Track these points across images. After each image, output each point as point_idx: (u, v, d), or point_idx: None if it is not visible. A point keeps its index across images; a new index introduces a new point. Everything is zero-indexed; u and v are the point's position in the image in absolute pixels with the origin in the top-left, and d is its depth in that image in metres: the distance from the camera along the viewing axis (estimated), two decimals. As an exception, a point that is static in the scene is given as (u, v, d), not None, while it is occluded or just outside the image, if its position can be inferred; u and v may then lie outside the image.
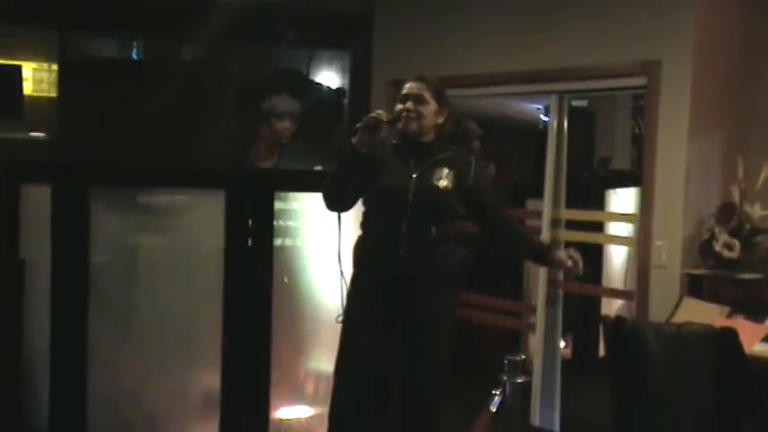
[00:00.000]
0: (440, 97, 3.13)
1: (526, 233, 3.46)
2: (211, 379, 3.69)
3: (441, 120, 3.14)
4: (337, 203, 3.17)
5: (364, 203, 3.18)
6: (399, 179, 3.07)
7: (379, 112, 3.02)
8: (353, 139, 2.98)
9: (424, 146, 3.11)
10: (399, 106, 3.09)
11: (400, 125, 3.07)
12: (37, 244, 3.52)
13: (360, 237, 3.20)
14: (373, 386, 3.18)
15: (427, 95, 3.10)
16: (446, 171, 3.09)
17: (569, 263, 3.10)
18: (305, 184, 4.01)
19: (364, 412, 3.20)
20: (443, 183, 3.07)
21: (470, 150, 5.25)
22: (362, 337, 3.13)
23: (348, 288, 3.21)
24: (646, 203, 3.90)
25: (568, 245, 4.33)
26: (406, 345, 3.14)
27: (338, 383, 3.18)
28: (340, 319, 3.21)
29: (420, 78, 3.14)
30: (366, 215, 3.18)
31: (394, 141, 3.15)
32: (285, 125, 4.41)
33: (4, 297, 3.55)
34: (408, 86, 3.12)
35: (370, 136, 2.98)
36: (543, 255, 3.24)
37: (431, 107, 3.10)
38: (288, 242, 3.77)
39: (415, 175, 3.06)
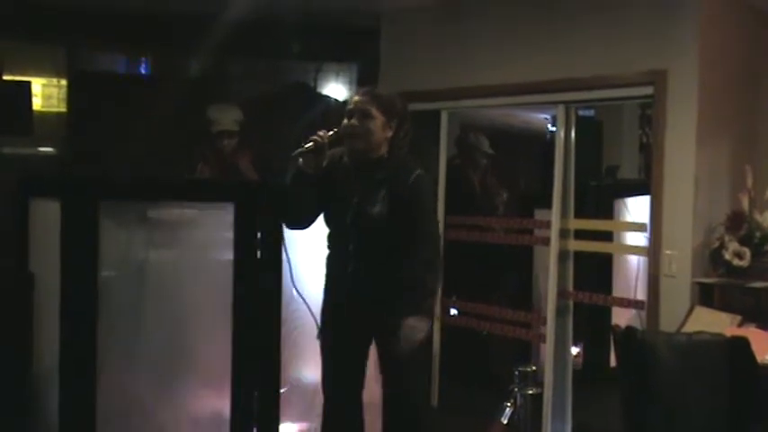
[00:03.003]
0: (388, 110, 3.04)
1: (416, 281, 2.97)
2: (221, 393, 3.69)
3: (390, 133, 3.04)
4: (294, 223, 3.20)
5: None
6: (341, 203, 3.05)
7: (321, 133, 2.98)
8: (300, 161, 2.97)
9: (371, 163, 3.04)
10: (345, 122, 3.03)
11: (346, 143, 3.03)
12: (46, 259, 3.52)
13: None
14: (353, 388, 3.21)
15: (373, 110, 3.01)
16: (382, 194, 3.01)
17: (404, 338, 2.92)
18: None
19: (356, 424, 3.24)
20: (377, 209, 3.01)
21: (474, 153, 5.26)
22: (336, 348, 3.18)
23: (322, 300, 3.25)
24: (655, 212, 3.89)
25: (577, 254, 4.34)
26: (380, 355, 3.17)
27: (325, 396, 3.23)
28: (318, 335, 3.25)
29: (365, 93, 3.09)
30: (328, 230, 3.21)
31: (345, 159, 3.10)
32: (223, 143, 4.35)
33: (13, 312, 3.56)
34: (353, 101, 3.06)
35: (316, 157, 2.98)
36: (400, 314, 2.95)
37: (377, 122, 3.01)
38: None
39: (355, 200, 3.03)
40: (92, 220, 3.43)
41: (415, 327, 2.92)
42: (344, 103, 5.82)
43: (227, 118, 4.40)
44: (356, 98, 3.07)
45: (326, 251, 3.22)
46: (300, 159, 2.98)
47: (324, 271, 3.23)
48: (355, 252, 3.04)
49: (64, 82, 5.38)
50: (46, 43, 5.35)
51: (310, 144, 2.97)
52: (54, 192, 3.52)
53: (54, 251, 3.42)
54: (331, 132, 3.00)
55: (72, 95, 5.33)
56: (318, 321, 3.29)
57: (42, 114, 5.26)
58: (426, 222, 3.05)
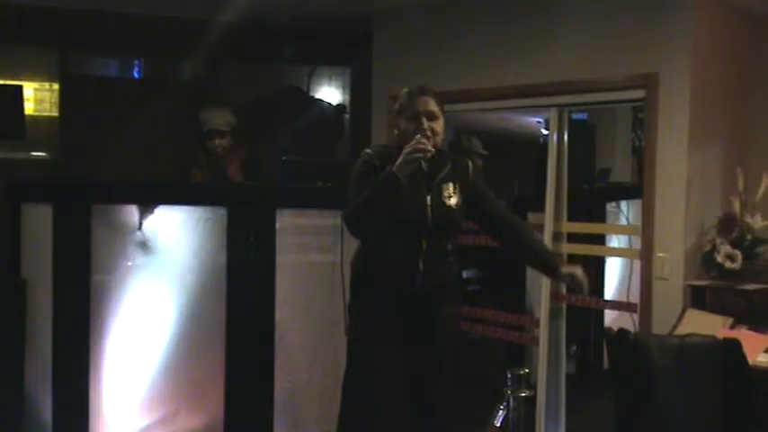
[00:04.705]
0: (443, 108, 3.02)
1: (533, 237, 3.24)
2: (214, 396, 3.68)
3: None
4: (369, 229, 2.99)
5: None
6: (415, 202, 2.95)
7: (422, 139, 2.86)
8: (395, 168, 2.83)
9: (428, 162, 2.97)
10: (406, 124, 2.95)
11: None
12: (38, 263, 3.52)
13: (364, 252, 3.09)
14: (390, 398, 3.05)
15: (437, 110, 2.98)
16: (451, 186, 3.03)
17: (577, 280, 3.05)
18: (307, 200, 4.03)
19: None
20: (453, 200, 3.01)
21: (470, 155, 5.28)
22: (378, 352, 3.02)
23: (353, 304, 3.13)
24: (647, 215, 3.90)
25: (571, 258, 4.35)
26: (422, 356, 3.07)
27: (352, 400, 3.10)
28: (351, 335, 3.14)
29: (425, 91, 2.99)
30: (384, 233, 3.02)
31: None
32: (214, 143, 4.36)
33: (5, 316, 3.55)
34: (421, 103, 2.96)
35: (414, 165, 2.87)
36: (550, 268, 3.16)
37: (441, 121, 2.99)
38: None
39: (429, 197, 2.97)
40: (84, 225, 3.43)
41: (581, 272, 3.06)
42: (339, 106, 5.87)
43: (218, 118, 4.41)
44: (420, 99, 2.97)
45: (374, 253, 3.05)
46: (396, 166, 2.84)
47: (364, 271, 3.08)
48: (429, 247, 2.96)
49: (56, 86, 5.36)
50: (38, 47, 5.33)
51: (420, 154, 2.84)
52: (46, 196, 3.52)
53: (47, 255, 3.42)
54: (419, 136, 2.89)
55: (64, 99, 5.31)
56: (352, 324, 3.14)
57: (34, 119, 5.24)
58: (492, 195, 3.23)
